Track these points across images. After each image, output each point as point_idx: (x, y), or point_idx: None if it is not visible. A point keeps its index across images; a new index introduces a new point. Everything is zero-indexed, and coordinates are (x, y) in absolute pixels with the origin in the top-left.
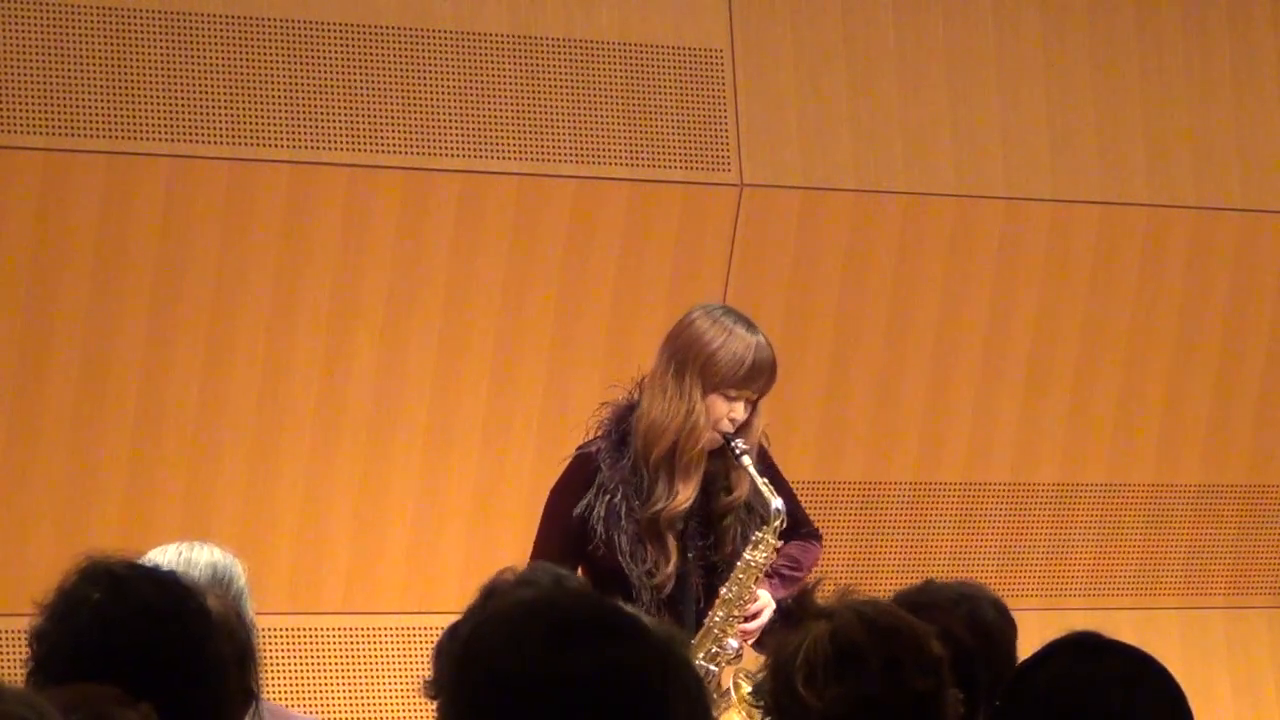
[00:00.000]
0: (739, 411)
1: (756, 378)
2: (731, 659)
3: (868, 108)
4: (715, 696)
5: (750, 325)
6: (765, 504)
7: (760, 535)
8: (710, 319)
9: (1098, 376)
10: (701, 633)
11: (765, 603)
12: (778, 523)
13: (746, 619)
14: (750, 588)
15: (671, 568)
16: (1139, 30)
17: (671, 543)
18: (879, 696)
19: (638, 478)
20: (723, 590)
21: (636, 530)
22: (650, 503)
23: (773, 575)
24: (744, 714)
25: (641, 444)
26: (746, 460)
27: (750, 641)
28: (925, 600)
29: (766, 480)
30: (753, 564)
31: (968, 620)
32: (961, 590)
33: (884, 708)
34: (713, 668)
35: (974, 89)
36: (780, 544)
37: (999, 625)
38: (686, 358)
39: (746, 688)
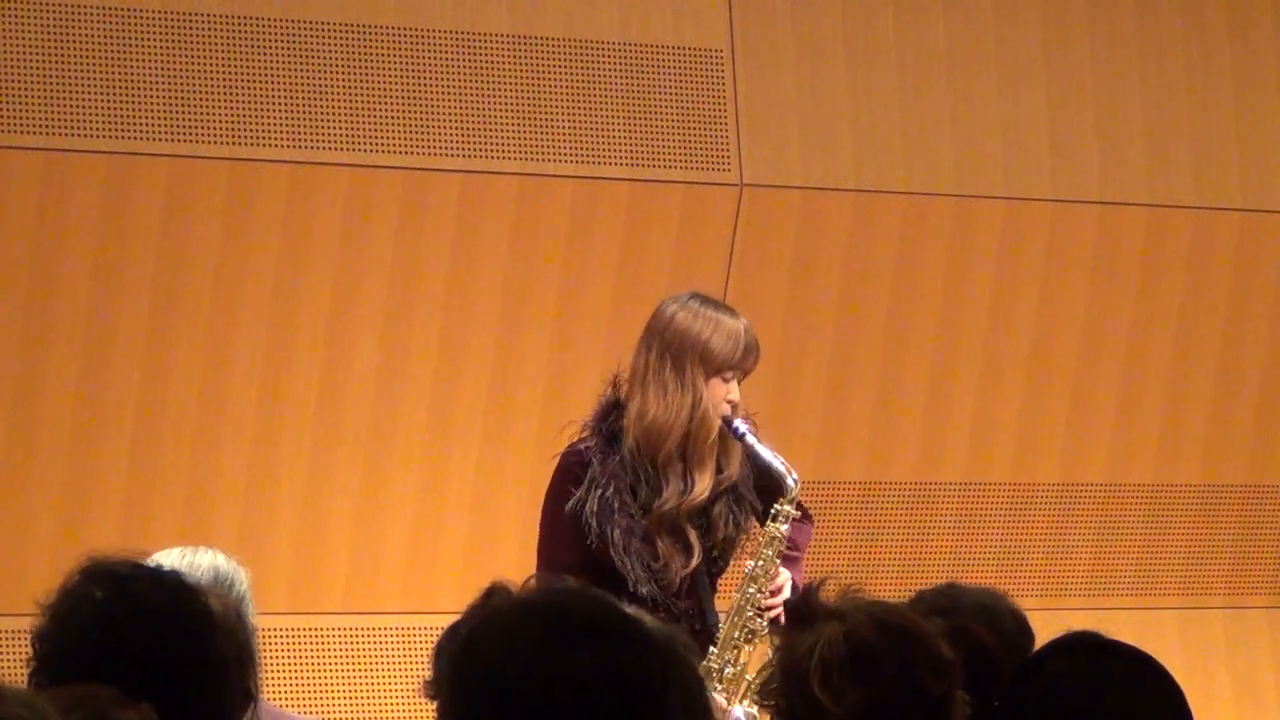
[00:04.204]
0: (734, 392)
1: (750, 353)
2: (763, 634)
3: (868, 108)
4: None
5: (723, 305)
6: (779, 477)
7: (778, 507)
8: (689, 310)
9: (1098, 376)
10: (734, 610)
11: (786, 578)
12: (795, 493)
13: (771, 593)
14: (775, 561)
15: (697, 559)
16: (1139, 30)
17: (693, 536)
18: (894, 698)
19: (633, 475)
20: (748, 566)
21: (645, 529)
22: (663, 500)
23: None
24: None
25: (643, 443)
26: (750, 439)
27: (772, 615)
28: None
29: (774, 451)
30: (776, 536)
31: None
32: (984, 600)
33: (898, 710)
34: (749, 646)
35: (974, 89)
36: (798, 514)
37: (1017, 639)
38: (683, 348)
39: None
